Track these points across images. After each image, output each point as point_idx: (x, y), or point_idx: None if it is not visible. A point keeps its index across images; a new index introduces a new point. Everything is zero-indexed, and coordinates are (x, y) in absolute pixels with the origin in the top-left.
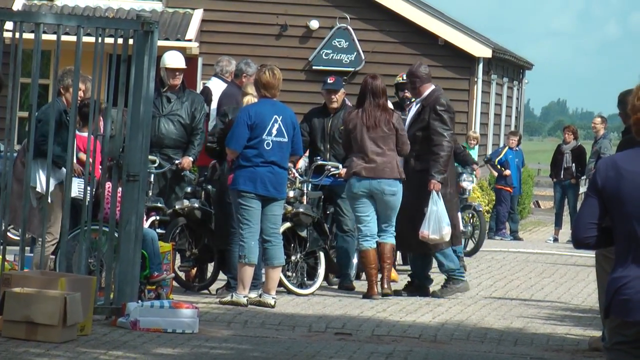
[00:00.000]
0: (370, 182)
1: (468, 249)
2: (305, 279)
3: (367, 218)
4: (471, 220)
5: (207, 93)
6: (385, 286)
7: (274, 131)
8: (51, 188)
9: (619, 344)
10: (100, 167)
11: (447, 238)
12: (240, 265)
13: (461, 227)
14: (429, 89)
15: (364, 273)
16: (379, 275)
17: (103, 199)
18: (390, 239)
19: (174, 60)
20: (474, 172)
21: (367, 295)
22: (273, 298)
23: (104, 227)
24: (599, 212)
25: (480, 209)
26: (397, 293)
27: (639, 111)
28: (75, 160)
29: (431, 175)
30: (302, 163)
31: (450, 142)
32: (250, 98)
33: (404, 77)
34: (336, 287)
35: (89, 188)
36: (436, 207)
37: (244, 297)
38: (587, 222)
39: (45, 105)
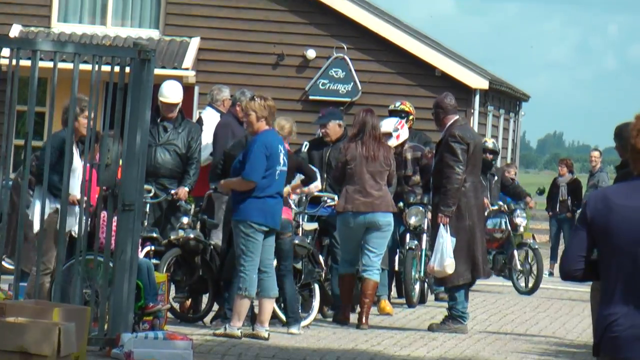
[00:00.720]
0: (365, 217)
1: (526, 286)
2: (300, 311)
3: (352, 249)
4: (527, 258)
5: (200, 123)
6: (363, 321)
7: (281, 161)
8: (46, 217)
9: None
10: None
11: (450, 271)
12: (239, 297)
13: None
14: (451, 120)
15: (358, 305)
16: (357, 308)
17: (98, 229)
18: (375, 276)
19: (170, 94)
20: (528, 205)
21: (339, 319)
22: (266, 330)
23: (99, 257)
24: (587, 245)
25: (536, 246)
26: (430, 328)
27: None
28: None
29: (439, 208)
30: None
31: (460, 175)
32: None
33: (396, 105)
34: (331, 319)
35: (84, 217)
36: (442, 240)
37: (238, 329)
38: (575, 254)
39: (55, 132)
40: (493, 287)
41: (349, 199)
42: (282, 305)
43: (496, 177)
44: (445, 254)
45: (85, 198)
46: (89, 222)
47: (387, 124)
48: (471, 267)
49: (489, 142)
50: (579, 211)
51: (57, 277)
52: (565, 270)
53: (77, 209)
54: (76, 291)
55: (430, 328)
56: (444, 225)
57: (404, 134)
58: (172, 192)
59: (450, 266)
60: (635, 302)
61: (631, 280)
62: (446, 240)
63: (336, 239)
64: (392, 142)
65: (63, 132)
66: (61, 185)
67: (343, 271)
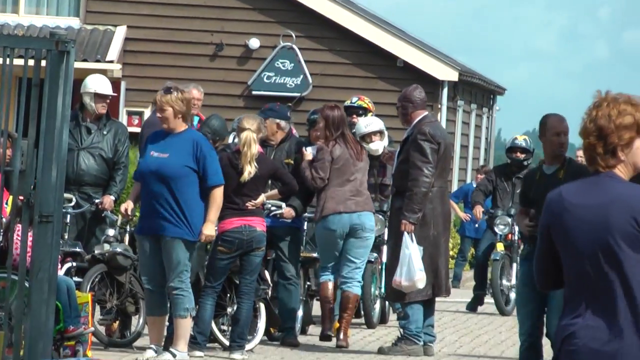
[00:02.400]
0: (350, 216)
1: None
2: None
3: (335, 257)
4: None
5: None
6: (342, 337)
7: None
8: None
9: None
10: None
11: (421, 285)
12: (186, 320)
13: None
14: (419, 116)
15: (309, 327)
16: (337, 325)
17: (12, 244)
18: (356, 289)
19: (103, 85)
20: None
21: (323, 335)
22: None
23: (13, 275)
24: (548, 253)
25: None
26: (380, 351)
27: (590, 135)
28: None
29: (403, 214)
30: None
31: (430, 177)
32: (250, 135)
33: (353, 101)
34: (278, 342)
35: None
36: (409, 251)
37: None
38: (541, 265)
39: None
40: (464, 303)
41: (340, 200)
42: (230, 326)
43: None
44: (413, 267)
45: None
46: (1, 237)
47: (374, 123)
48: (432, 282)
49: (520, 140)
50: None
51: None
52: (538, 281)
53: None
54: None
55: (381, 351)
56: (408, 233)
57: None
58: (97, 201)
59: (421, 280)
60: (596, 313)
61: (591, 287)
62: (413, 251)
63: (283, 251)
64: (383, 144)
65: None
66: None
67: (326, 279)
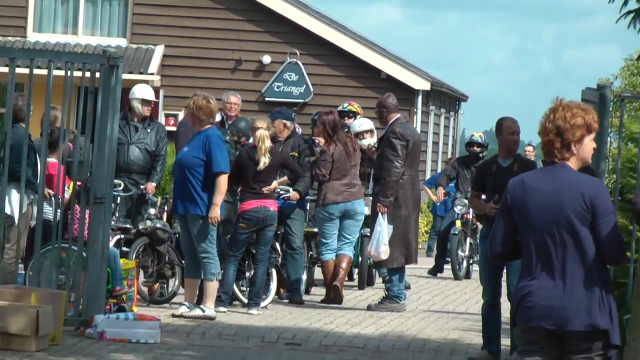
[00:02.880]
0: (345, 205)
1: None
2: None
3: (332, 236)
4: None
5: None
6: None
7: None
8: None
9: (528, 346)
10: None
11: (384, 257)
12: (212, 282)
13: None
14: (393, 118)
15: (311, 289)
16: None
17: (71, 220)
18: (349, 252)
19: (149, 93)
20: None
21: (327, 299)
22: (214, 310)
23: (73, 246)
24: (508, 229)
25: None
26: (369, 308)
27: (550, 133)
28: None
29: (377, 198)
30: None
31: (399, 168)
32: (263, 132)
33: (345, 106)
34: (287, 301)
35: (58, 209)
36: (380, 228)
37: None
38: (498, 237)
39: (12, 131)
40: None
41: (338, 192)
42: (248, 287)
43: None
44: (380, 241)
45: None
46: (61, 214)
47: (365, 123)
48: (405, 253)
49: (476, 136)
50: None
51: (34, 264)
52: (491, 252)
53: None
54: (52, 277)
55: (369, 308)
56: (382, 214)
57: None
58: (142, 187)
59: (384, 252)
60: (549, 275)
61: (546, 256)
62: (383, 228)
63: (290, 227)
64: (373, 140)
65: (21, 130)
66: (34, 179)
67: (328, 258)
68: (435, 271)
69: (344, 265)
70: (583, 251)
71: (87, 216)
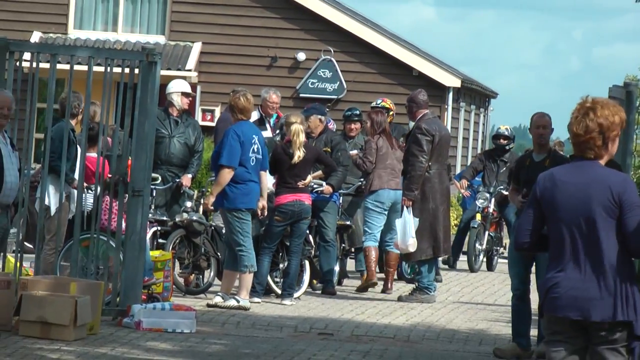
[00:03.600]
0: (395, 193)
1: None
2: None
3: (377, 227)
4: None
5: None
6: (389, 286)
7: (255, 149)
8: (57, 203)
9: (554, 336)
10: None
11: (412, 249)
12: (245, 274)
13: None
14: (421, 114)
15: (343, 280)
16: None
17: (100, 212)
18: (395, 249)
19: (187, 87)
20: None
21: (365, 286)
22: (248, 301)
23: (102, 236)
24: (535, 220)
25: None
26: (399, 299)
27: (593, 132)
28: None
29: (403, 192)
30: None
31: (423, 163)
32: (297, 127)
33: (378, 102)
34: (320, 292)
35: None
36: (405, 221)
37: (249, 301)
38: (525, 228)
39: (55, 126)
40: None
41: (385, 180)
42: (282, 278)
43: (508, 164)
44: (408, 234)
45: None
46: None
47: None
48: (433, 245)
49: (502, 129)
50: None
51: (73, 254)
52: (517, 243)
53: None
54: (91, 267)
55: (400, 299)
56: (407, 207)
57: None
58: (177, 180)
59: (412, 245)
60: (576, 267)
61: (573, 248)
62: (409, 221)
63: (324, 220)
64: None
65: (62, 124)
66: (70, 172)
67: (370, 244)
68: (450, 263)
69: (392, 262)
70: (609, 244)
71: (116, 207)
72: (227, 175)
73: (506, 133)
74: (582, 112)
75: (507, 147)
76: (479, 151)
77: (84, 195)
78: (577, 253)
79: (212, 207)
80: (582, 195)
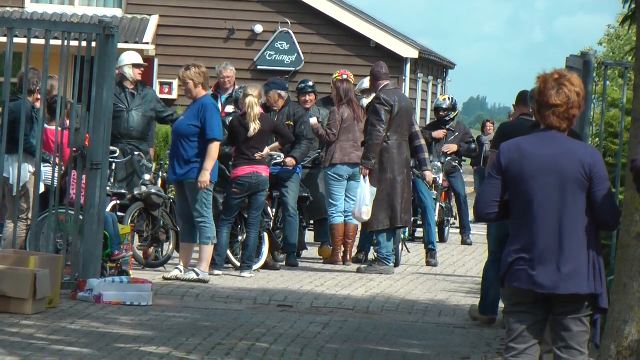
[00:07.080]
0: (353, 168)
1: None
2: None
3: (340, 198)
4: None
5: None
6: (348, 258)
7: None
8: (27, 178)
9: (516, 307)
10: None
11: (366, 217)
12: (209, 247)
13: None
14: (381, 85)
15: (302, 252)
16: (342, 249)
17: (69, 186)
18: (355, 221)
19: (138, 57)
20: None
21: (331, 261)
22: (207, 273)
23: (70, 211)
24: (500, 190)
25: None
26: (358, 270)
27: (576, 107)
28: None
29: (361, 161)
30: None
31: (381, 132)
32: (251, 99)
33: (344, 77)
34: (283, 263)
35: (56, 175)
36: (361, 190)
37: (209, 274)
38: (489, 199)
39: (13, 103)
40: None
41: (346, 153)
42: (241, 250)
43: (457, 133)
44: (362, 202)
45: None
46: (60, 180)
47: (366, 82)
48: (390, 215)
49: (441, 100)
50: None
51: (32, 228)
52: (480, 214)
53: (43, 168)
54: (49, 241)
55: (359, 270)
56: (364, 176)
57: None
58: (136, 153)
59: (366, 213)
60: (542, 239)
61: (540, 220)
62: (365, 190)
63: (286, 192)
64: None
65: (25, 102)
66: (33, 148)
67: (338, 221)
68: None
69: (351, 234)
70: (578, 217)
71: (83, 182)
72: (217, 148)
73: (444, 105)
74: (557, 83)
75: (446, 119)
76: None
77: (45, 168)
78: (544, 225)
79: (205, 183)
80: (552, 167)
